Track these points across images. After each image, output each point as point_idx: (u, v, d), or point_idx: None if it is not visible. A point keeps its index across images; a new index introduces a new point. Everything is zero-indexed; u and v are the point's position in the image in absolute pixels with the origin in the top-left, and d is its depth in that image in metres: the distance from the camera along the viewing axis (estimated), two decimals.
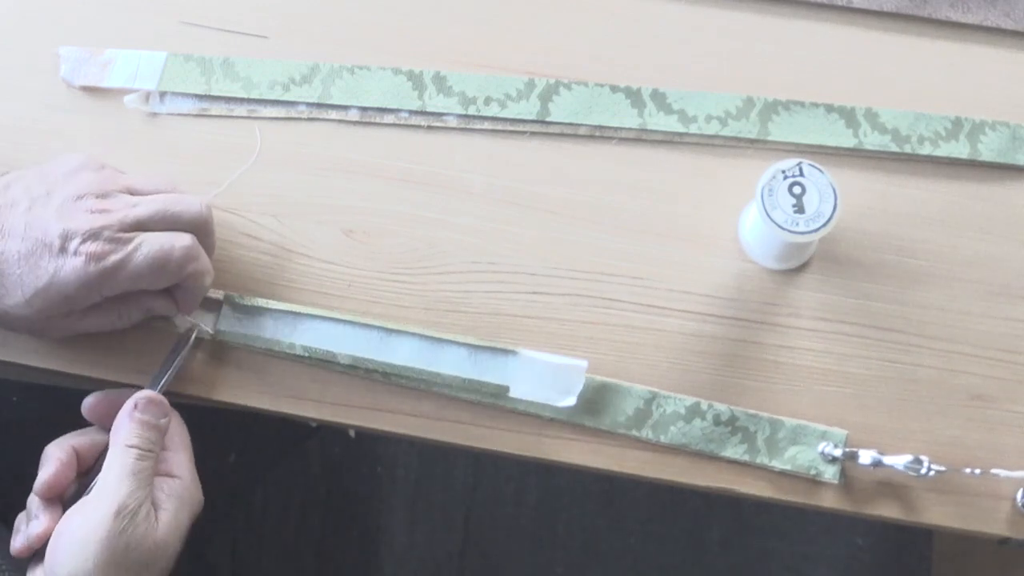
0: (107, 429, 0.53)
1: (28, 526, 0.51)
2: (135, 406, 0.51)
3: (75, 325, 0.53)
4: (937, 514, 0.55)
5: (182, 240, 0.52)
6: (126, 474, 0.49)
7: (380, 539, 1.13)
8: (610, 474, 0.56)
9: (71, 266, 0.49)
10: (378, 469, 1.15)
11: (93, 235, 0.50)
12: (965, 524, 0.54)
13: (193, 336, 0.56)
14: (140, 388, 0.54)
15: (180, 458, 0.53)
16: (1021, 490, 0.54)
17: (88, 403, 0.54)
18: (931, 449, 0.55)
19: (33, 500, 0.51)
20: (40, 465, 0.52)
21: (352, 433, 1.10)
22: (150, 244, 0.51)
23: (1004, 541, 0.55)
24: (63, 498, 0.51)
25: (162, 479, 0.52)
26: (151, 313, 0.55)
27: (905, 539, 1.13)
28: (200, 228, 0.54)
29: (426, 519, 1.14)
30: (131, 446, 0.50)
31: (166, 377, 0.55)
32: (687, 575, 1.13)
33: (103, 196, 0.52)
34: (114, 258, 0.50)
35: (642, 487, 1.13)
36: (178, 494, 0.51)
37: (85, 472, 0.53)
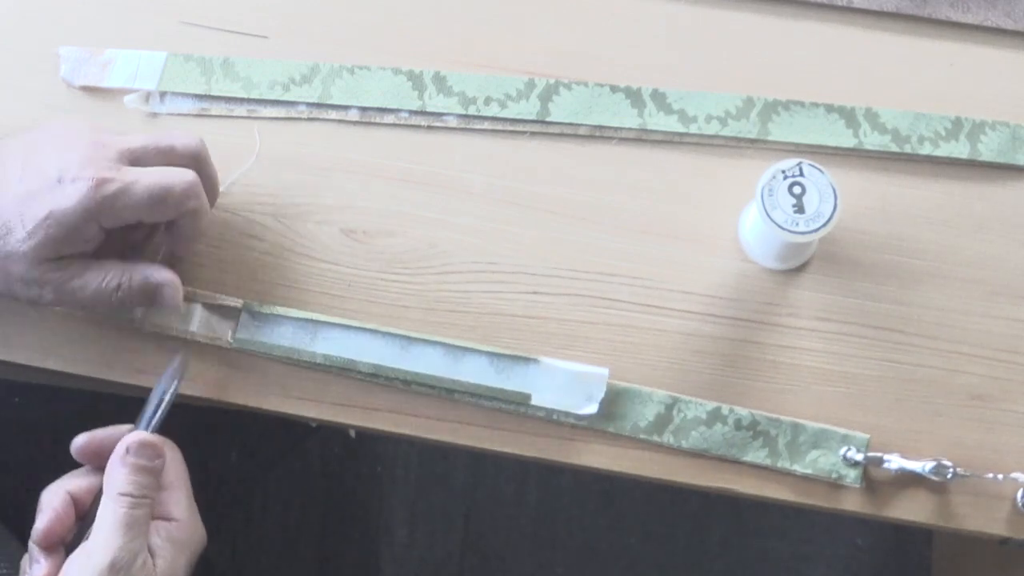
0: (100, 469, 0.51)
1: (31, 570, 0.50)
2: (127, 450, 0.50)
3: (71, 283, 0.52)
4: (938, 515, 0.55)
5: (185, 175, 0.52)
6: (119, 525, 0.48)
7: (380, 539, 1.13)
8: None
9: (72, 191, 0.49)
10: (378, 469, 1.15)
11: (91, 162, 0.50)
12: (965, 524, 0.54)
13: (184, 371, 0.54)
14: (130, 404, 0.53)
15: (177, 497, 0.52)
16: (1021, 490, 0.54)
17: (77, 444, 0.52)
18: (931, 449, 0.55)
19: (33, 545, 0.50)
20: (37, 512, 0.50)
21: (352, 433, 1.11)
22: (151, 175, 0.51)
23: (1004, 541, 0.55)
24: (64, 542, 0.50)
25: (159, 523, 0.50)
26: (148, 284, 0.53)
27: (905, 539, 1.13)
28: (196, 160, 0.54)
29: (426, 519, 1.14)
30: (123, 494, 0.49)
31: (158, 415, 0.52)
32: (687, 575, 1.13)
33: (95, 133, 0.52)
34: (114, 187, 0.50)
35: (642, 487, 1.13)
36: (175, 538, 0.50)
37: (83, 516, 0.51)
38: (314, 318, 0.57)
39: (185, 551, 0.50)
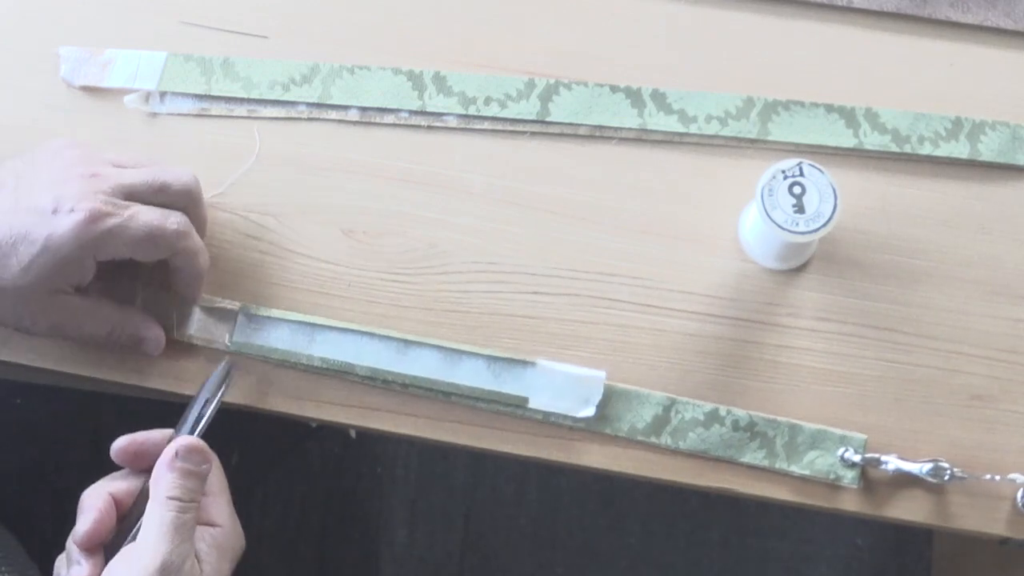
0: (139, 472, 0.52)
1: (69, 572, 0.49)
2: (175, 454, 0.49)
3: (65, 326, 0.52)
4: (938, 515, 0.55)
5: (176, 216, 0.53)
6: (168, 528, 0.47)
7: (380, 539, 1.13)
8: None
9: (67, 222, 0.49)
10: (378, 469, 1.15)
11: (87, 196, 0.50)
12: (965, 524, 0.54)
13: (230, 375, 0.54)
14: (155, 414, 0.53)
15: (219, 504, 0.52)
16: (1021, 490, 0.54)
17: (118, 446, 0.52)
18: (931, 449, 0.55)
19: (72, 546, 0.50)
20: (78, 513, 0.50)
21: (352, 433, 1.10)
22: (146, 214, 0.51)
23: (1004, 541, 0.55)
24: (104, 544, 0.50)
25: (203, 528, 0.50)
26: (135, 336, 0.55)
27: (905, 539, 1.13)
28: (189, 198, 0.54)
29: (426, 519, 1.14)
30: (172, 498, 0.48)
31: (204, 421, 0.52)
32: (687, 575, 1.13)
33: (91, 165, 0.52)
34: (111, 221, 0.50)
35: (642, 487, 1.13)
36: (219, 544, 0.50)
37: (123, 518, 0.51)
38: (311, 321, 0.57)
39: (228, 556, 0.50)
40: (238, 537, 0.52)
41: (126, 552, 0.48)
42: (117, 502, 0.51)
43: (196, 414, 0.52)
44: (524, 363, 0.56)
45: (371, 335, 0.56)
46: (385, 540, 1.13)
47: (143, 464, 0.51)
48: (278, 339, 0.56)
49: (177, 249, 0.53)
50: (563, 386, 0.55)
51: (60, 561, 0.51)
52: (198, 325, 0.57)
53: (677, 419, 0.55)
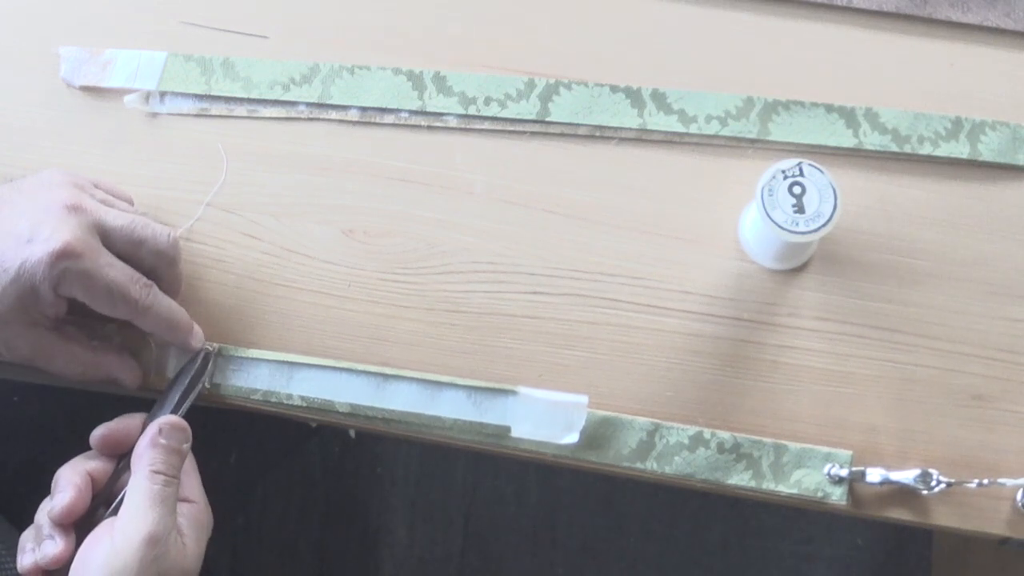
0: (114, 457, 0.52)
1: (41, 546, 0.49)
2: (159, 431, 0.51)
3: (37, 358, 0.53)
4: (937, 515, 0.55)
5: (141, 285, 0.52)
6: (154, 501, 0.48)
7: (380, 539, 1.13)
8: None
9: (39, 252, 0.49)
10: (378, 469, 1.15)
11: (64, 228, 0.50)
12: (965, 524, 0.54)
13: (213, 359, 0.55)
14: (135, 407, 0.53)
15: (192, 482, 0.53)
16: (1021, 491, 0.54)
17: (97, 435, 0.52)
18: (931, 449, 0.55)
19: (45, 520, 0.50)
20: (54, 489, 0.50)
21: (352, 433, 1.10)
22: (116, 271, 0.51)
23: (1004, 541, 0.55)
24: (76, 522, 0.50)
25: (181, 504, 0.51)
26: (109, 377, 0.55)
27: (905, 539, 1.13)
28: (162, 260, 0.54)
29: (426, 519, 1.14)
30: (157, 472, 0.49)
31: (188, 401, 0.54)
32: (687, 575, 1.13)
33: (75, 197, 0.52)
34: (80, 264, 0.50)
35: (642, 487, 1.13)
36: (197, 519, 0.51)
37: (95, 497, 0.51)
38: (289, 359, 0.56)
39: (205, 533, 0.51)
40: (209, 513, 0.53)
41: (107, 525, 0.48)
42: (93, 480, 0.51)
43: (176, 397, 0.53)
44: (505, 392, 0.55)
45: (350, 371, 0.56)
46: (385, 540, 1.13)
47: (121, 451, 0.52)
48: (257, 379, 0.56)
49: (135, 319, 0.53)
50: (545, 413, 0.55)
51: (26, 536, 0.51)
52: (175, 368, 0.56)
53: (662, 444, 0.55)
